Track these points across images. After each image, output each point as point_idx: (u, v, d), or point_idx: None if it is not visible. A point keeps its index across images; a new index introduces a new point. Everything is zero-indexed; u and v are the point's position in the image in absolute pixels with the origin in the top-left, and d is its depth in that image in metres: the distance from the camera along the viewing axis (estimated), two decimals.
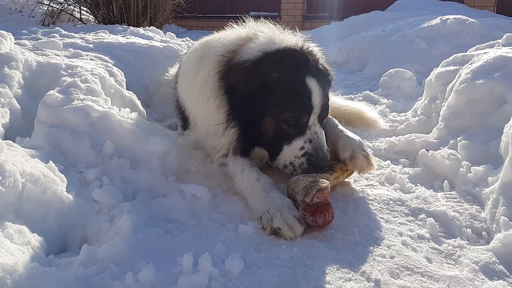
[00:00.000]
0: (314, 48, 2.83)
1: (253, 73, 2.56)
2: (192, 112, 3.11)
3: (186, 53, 4.04)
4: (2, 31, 3.71)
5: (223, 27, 3.13)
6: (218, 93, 2.67)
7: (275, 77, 2.51)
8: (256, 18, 3.11)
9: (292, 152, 2.53)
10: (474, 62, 3.54)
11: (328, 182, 2.26)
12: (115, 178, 2.51)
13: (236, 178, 2.58)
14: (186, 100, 3.18)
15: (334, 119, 2.97)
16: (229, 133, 2.64)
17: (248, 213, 2.35)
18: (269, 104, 2.51)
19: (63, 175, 2.30)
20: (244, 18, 3.08)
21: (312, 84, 2.52)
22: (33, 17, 9.48)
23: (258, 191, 2.39)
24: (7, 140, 2.51)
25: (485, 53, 3.77)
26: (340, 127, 2.89)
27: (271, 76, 2.52)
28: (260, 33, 2.81)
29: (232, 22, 3.10)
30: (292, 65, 2.56)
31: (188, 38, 6.91)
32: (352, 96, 5.05)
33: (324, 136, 2.60)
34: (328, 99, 2.67)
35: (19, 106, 3.02)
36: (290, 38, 2.78)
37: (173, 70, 4.33)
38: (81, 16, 9.33)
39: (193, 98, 2.97)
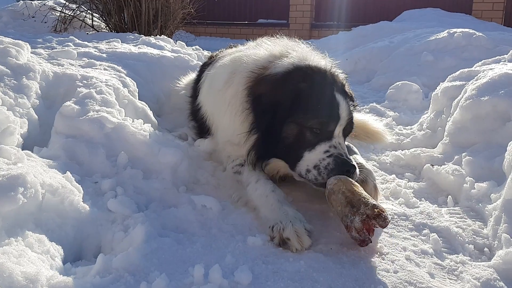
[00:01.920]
0: (341, 74, 2.94)
1: (282, 83, 2.65)
2: (215, 123, 3.21)
3: (208, 63, 3.99)
4: (20, 41, 3.82)
5: (231, 34, 3.23)
6: (245, 105, 2.76)
7: (304, 86, 2.61)
8: (264, 26, 3.21)
9: (316, 156, 2.52)
10: (480, 78, 3.61)
11: None
12: (128, 188, 2.59)
13: (250, 187, 2.65)
14: (211, 112, 3.27)
15: (353, 147, 3.08)
16: (249, 141, 2.71)
17: (257, 224, 2.42)
18: (295, 111, 2.57)
19: (79, 185, 2.38)
20: (279, 34, 3.21)
21: (340, 98, 2.63)
22: (45, 22, 9.62)
23: (272, 202, 2.47)
24: (26, 151, 2.61)
25: (491, 69, 3.84)
26: (357, 152, 3.01)
27: (300, 85, 2.61)
28: (293, 51, 2.91)
29: (246, 30, 3.19)
30: (322, 79, 2.68)
31: (197, 47, 7.01)
32: (359, 108, 5.11)
33: (346, 150, 2.62)
34: (352, 118, 2.73)
35: (36, 116, 3.12)
36: (320, 59, 2.90)
37: (185, 80, 4.43)
38: (93, 23, 9.46)
39: (221, 111, 3.04)
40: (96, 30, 9.26)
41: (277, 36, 3.25)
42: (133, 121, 3.08)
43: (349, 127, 2.70)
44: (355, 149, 3.06)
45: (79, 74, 3.64)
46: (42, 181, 2.15)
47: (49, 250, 1.91)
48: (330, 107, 2.60)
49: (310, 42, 3.16)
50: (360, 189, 2.28)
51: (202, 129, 3.43)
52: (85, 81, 3.51)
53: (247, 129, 2.73)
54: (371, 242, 2.13)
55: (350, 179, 2.37)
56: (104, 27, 9.55)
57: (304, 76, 2.66)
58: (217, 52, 4.03)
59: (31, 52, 4.04)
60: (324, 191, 2.42)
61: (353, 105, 2.80)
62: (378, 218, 2.06)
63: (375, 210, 2.08)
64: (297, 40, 3.17)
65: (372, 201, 2.16)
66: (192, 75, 4.41)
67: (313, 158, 2.53)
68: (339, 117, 2.60)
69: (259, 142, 2.69)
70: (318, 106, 2.58)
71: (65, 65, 4.05)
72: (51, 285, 1.64)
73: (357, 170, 2.52)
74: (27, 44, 3.91)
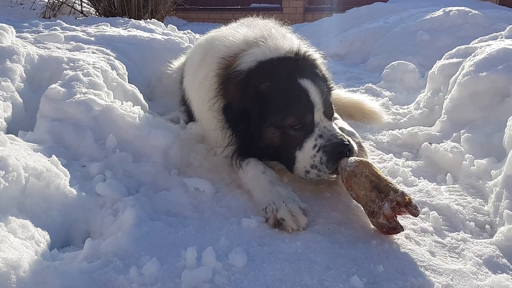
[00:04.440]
0: (315, 54, 2.80)
1: (245, 87, 2.54)
2: (194, 108, 3.12)
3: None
4: (4, 24, 3.70)
5: (224, 19, 3.13)
6: (214, 94, 2.68)
7: (266, 87, 2.49)
8: (258, 10, 3.10)
9: (307, 154, 2.42)
10: (477, 55, 3.53)
11: None
12: (118, 172, 2.51)
13: (241, 170, 2.57)
14: (190, 96, 3.19)
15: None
16: (229, 147, 2.62)
17: (252, 206, 2.35)
18: (267, 115, 2.46)
19: (66, 169, 2.30)
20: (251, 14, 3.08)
21: (306, 83, 2.49)
22: (34, 9, 9.43)
23: (263, 184, 2.40)
24: (10, 134, 2.51)
25: (488, 45, 3.76)
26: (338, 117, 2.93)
27: (262, 87, 2.49)
28: (266, 37, 2.78)
29: (239, 15, 3.09)
30: (284, 71, 2.53)
31: (189, 31, 6.86)
32: (354, 89, 5.03)
33: (336, 127, 2.53)
34: (329, 98, 2.62)
35: (21, 100, 3.02)
36: (293, 43, 2.75)
37: (176, 63, 4.32)
38: (82, 9, 9.28)
39: (195, 95, 2.98)
40: (85, 15, 9.08)
41: (259, 17, 3.12)
42: (122, 104, 2.98)
43: (328, 109, 2.55)
44: (336, 115, 2.95)
45: (66, 57, 3.53)
46: (25, 164, 2.06)
47: (34, 236, 1.84)
48: (300, 98, 2.46)
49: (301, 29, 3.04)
50: (383, 173, 2.16)
51: (189, 112, 3.34)
52: (72, 64, 3.40)
53: (216, 122, 2.66)
54: (403, 230, 2.02)
55: (371, 162, 2.23)
56: (94, 12, 9.37)
57: (265, 74, 2.53)
58: None
59: (16, 36, 3.93)
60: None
61: (327, 86, 2.66)
62: (409, 206, 1.96)
63: (405, 197, 1.97)
64: (275, 22, 3.03)
65: (400, 187, 2.04)
66: (183, 59, 4.29)
67: (306, 157, 2.43)
68: (313, 104, 2.46)
69: (241, 148, 2.58)
70: (287, 102, 2.46)
71: (51, 48, 3.94)
72: (34, 271, 1.56)
73: (355, 147, 2.42)
74: (11, 27, 3.80)
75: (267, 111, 2.46)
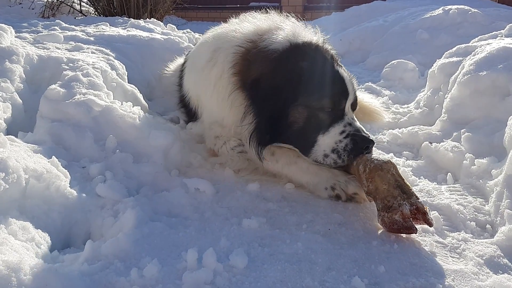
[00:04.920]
0: (333, 50, 2.82)
1: (281, 63, 2.49)
2: (200, 106, 3.07)
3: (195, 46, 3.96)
4: (3, 25, 3.69)
5: (223, 18, 3.09)
6: (234, 88, 2.62)
7: (307, 66, 2.47)
8: (257, 8, 3.09)
9: (331, 139, 2.41)
10: (478, 54, 3.53)
11: None
12: (118, 172, 2.50)
13: (266, 160, 2.59)
14: (195, 95, 3.12)
15: None
16: (248, 128, 2.54)
17: (253, 206, 2.34)
18: (300, 93, 2.43)
19: (66, 170, 2.29)
20: (267, 10, 3.05)
21: (342, 72, 2.54)
22: (32, 9, 9.40)
23: (306, 166, 2.51)
24: (10, 136, 2.50)
25: (488, 44, 3.76)
26: None
27: (302, 64, 2.47)
28: (285, 25, 2.76)
29: (249, 13, 3.05)
30: (321, 55, 2.56)
31: (189, 30, 6.86)
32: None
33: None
34: (356, 91, 2.65)
35: (20, 101, 3.01)
36: (312, 35, 2.75)
37: (174, 64, 4.31)
38: (81, 8, 9.26)
39: (206, 93, 2.89)
40: (84, 15, 9.07)
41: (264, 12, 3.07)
42: (121, 104, 2.97)
43: (355, 101, 2.61)
44: None
45: (65, 57, 3.53)
46: (26, 166, 2.05)
47: (34, 238, 1.83)
48: (337, 84, 2.49)
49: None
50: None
51: (189, 113, 3.32)
52: (71, 64, 3.40)
53: (240, 114, 2.59)
54: (416, 232, 2.00)
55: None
56: (93, 11, 9.36)
57: (304, 54, 2.53)
58: None
59: (15, 37, 3.92)
60: (353, 164, 2.35)
61: (352, 78, 2.69)
62: (427, 215, 2.00)
63: (425, 207, 2.03)
64: (287, 14, 2.98)
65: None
66: (180, 60, 4.28)
67: (328, 141, 2.42)
68: (348, 92, 2.50)
69: (260, 130, 2.50)
70: (326, 84, 2.47)
71: (50, 48, 3.93)
72: (35, 273, 1.56)
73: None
74: (11, 27, 3.79)
75: (302, 90, 2.44)
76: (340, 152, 2.39)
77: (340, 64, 2.69)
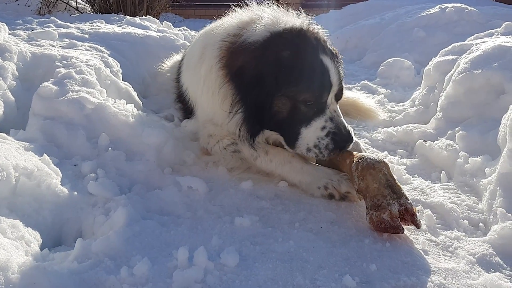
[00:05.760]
0: (320, 31, 2.72)
1: (263, 52, 2.45)
2: (195, 101, 3.07)
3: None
4: None
5: (221, 16, 3.06)
6: (223, 81, 2.60)
7: (288, 55, 2.42)
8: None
9: (313, 133, 2.43)
10: (473, 52, 3.52)
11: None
12: (110, 170, 2.49)
13: (260, 159, 2.62)
14: (191, 90, 3.12)
15: None
16: (236, 118, 2.53)
17: (245, 204, 2.34)
18: (283, 84, 2.40)
19: (57, 168, 2.28)
20: (247, 3, 2.98)
21: (327, 61, 2.46)
22: (29, 6, 9.38)
23: (300, 165, 2.51)
24: (1, 133, 2.49)
25: (483, 42, 3.75)
26: None
27: (283, 54, 2.42)
28: (264, 14, 2.71)
29: (232, 8, 3.01)
30: (304, 44, 2.48)
31: (185, 27, 6.83)
32: (350, 86, 5.01)
33: (341, 114, 2.54)
34: (342, 80, 2.60)
35: (13, 98, 2.99)
36: (295, 19, 2.66)
37: (170, 61, 4.29)
38: (77, 5, 9.23)
39: (198, 90, 2.91)
40: (80, 12, 9.04)
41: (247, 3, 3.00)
42: (115, 102, 2.95)
43: (340, 92, 2.56)
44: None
45: (59, 55, 3.51)
46: (16, 163, 2.04)
47: (24, 236, 1.81)
48: (320, 76, 2.43)
49: None
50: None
51: (187, 109, 3.31)
52: (65, 61, 3.37)
53: (229, 106, 2.56)
54: (402, 232, 2.00)
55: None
56: (89, 9, 9.33)
57: (285, 43, 2.47)
58: None
59: (9, 34, 3.89)
60: (346, 162, 2.34)
61: (339, 63, 2.61)
62: (415, 216, 2.01)
63: (414, 208, 2.04)
64: (268, 3, 2.92)
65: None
66: (177, 57, 4.26)
67: (311, 135, 2.43)
68: (331, 84, 2.45)
69: (247, 119, 2.50)
70: (308, 76, 2.42)
71: (44, 45, 3.91)
72: (23, 272, 1.55)
73: (356, 143, 2.51)
74: (4, 24, 3.76)
75: (284, 80, 2.40)
76: (322, 150, 2.43)
77: (328, 46, 2.61)
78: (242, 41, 2.55)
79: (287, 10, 2.77)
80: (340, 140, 2.41)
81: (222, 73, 2.62)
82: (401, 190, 2.09)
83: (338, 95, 2.55)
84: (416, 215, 2.01)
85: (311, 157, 2.49)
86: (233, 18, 2.86)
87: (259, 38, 2.51)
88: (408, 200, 2.05)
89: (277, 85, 2.41)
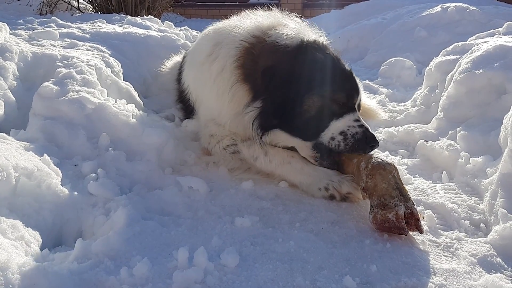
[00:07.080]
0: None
1: (297, 54, 2.55)
2: (198, 101, 3.06)
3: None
4: None
5: (223, 15, 3.07)
6: (236, 80, 2.64)
7: (323, 59, 2.54)
8: (256, 6, 3.07)
9: (343, 123, 2.46)
10: (474, 52, 3.51)
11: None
12: (111, 170, 2.49)
13: (260, 160, 2.63)
14: (194, 90, 3.11)
15: None
16: (252, 112, 2.56)
17: (246, 204, 2.33)
18: (317, 84, 2.49)
19: (58, 168, 2.28)
20: (268, 8, 3.06)
21: (352, 72, 2.66)
22: (30, 5, 9.38)
23: (300, 166, 2.52)
24: (1, 133, 2.49)
25: (485, 42, 3.73)
26: None
27: (319, 57, 2.54)
28: (290, 23, 2.82)
29: (246, 10, 3.05)
30: (331, 54, 2.64)
31: (186, 27, 6.83)
32: None
33: None
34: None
35: (14, 98, 2.99)
36: (318, 33, 2.87)
37: (170, 62, 4.29)
38: (79, 5, 9.23)
39: (205, 89, 2.90)
40: (82, 12, 9.04)
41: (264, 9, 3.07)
42: (115, 102, 2.95)
43: (360, 101, 2.69)
44: None
45: (59, 54, 3.50)
46: (16, 163, 2.04)
47: (24, 236, 1.81)
48: (351, 81, 2.60)
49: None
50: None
51: (188, 109, 3.30)
52: (66, 61, 3.37)
53: (238, 107, 2.60)
54: (406, 234, 2.00)
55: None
56: (91, 8, 9.33)
57: (318, 49, 2.60)
58: None
59: (10, 33, 3.89)
60: (353, 162, 2.34)
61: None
62: (419, 222, 2.02)
63: (419, 214, 2.05)
64: (288, 13, 3.00)
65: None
66: (177, 58, 4.26)
67: (340, 125, 2.46)
68: (359, 91, 2.61)
69: (267, 115, 2.53)
70: (341, 79, 2.55)
71: (45, 46, 3.91)
72: (23, 272, 1.55)
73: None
74: (5, 24, 3.76)
75: (318, 81, 2.49)
76: (348, 137, 2.43)
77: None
78: (272, 42, 2.62)
79: (309, 25, 2.92)
80: (370, 138, 2.43)
81: (238, 72, 2.65)
82: (409, 195, 2.10)
83: (359, 106, 2.66)
84: (420, 220, 2.02)
85: (332, 146, 2.45)
86: (253, 20, 2.89)
87: (291, 42, 2.61)
88: (415, 205, 2.06)
89: (311, 85, 2.48)
